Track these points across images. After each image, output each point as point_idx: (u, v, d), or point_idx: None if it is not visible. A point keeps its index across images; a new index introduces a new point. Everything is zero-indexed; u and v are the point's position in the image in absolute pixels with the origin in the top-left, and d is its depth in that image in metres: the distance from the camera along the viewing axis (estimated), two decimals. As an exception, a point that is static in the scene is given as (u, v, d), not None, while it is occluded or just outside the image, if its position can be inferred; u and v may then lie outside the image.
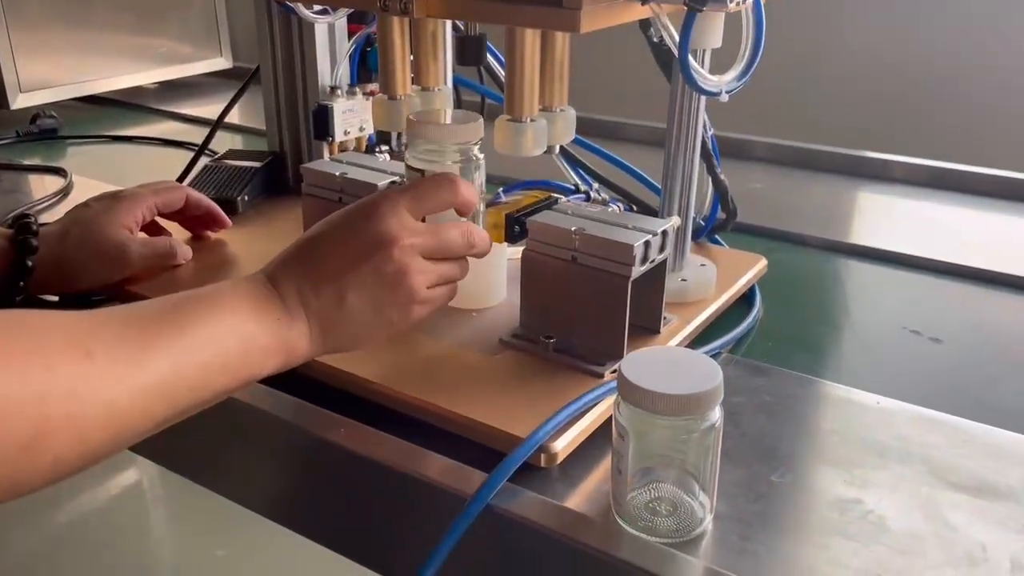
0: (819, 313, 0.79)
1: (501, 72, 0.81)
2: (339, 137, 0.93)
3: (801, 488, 0.54)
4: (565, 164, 0.87)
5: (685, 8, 0.55)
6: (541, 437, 0.53)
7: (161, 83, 1.64)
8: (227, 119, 1.05)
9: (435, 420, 0.58)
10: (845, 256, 0.92)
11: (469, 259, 0.62)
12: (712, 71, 0.61)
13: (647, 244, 0.62)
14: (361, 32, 0.95)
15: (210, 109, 1.46)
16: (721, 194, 0.81)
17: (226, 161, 1.01)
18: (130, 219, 0.76)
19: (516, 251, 0.68)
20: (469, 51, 0.75)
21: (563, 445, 0.55)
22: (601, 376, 0.61)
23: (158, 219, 0.82)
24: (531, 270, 0.65)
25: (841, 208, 1.09)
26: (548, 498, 0.52)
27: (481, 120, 0.65)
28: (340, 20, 0.94)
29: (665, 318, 0.68)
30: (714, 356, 0.67)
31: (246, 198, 0.94)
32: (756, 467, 0.56)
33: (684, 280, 0.73)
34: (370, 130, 0.97)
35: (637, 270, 0.61)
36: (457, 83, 0.90)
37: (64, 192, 1.09)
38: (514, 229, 0.67)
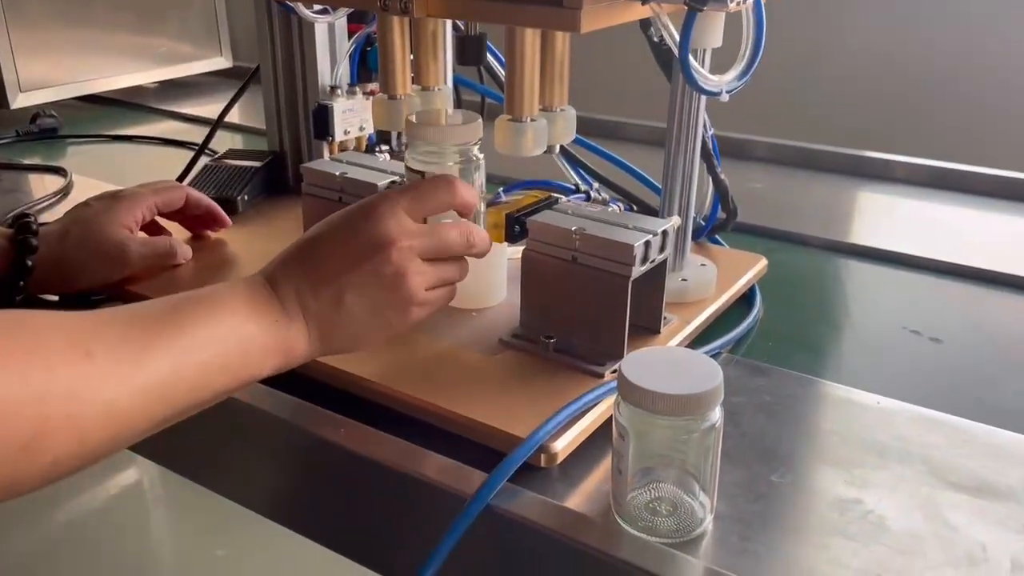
0: (819, 313, 0.79)
1: (501, 72, 0.81)
2: (339, 137, 0.93)
3: (801, 488, 0.54)
4: (565, 164, 0.87)
5: (685, 8, 0.55)
6: (541, 437, 0.53)
7: (161, 82, 1.64)
8: (227, 119, 1.05)
9: (435, 420, 0.58)
10: (845, 256, 0.92)
11: (469, 259, 0.62)
12: (712, 71, 0.61)
13: (647, 244, 0.62)
14: (361, 32, 0.95)
15: (210, 109, 1.46)
16: (721, 194, 0.81)
17: (226, 161, 1.01)
18: (130, 219, 0.76)
19: (516, 251, 0.68)
20: (469, 51, 0.75)
21: (563, 445, 0.55)
22: (601, 376, 0.61)
23: (158, 219, 0.82)
24: (531, 270, 0.65)
25: (841, 208, 1.09)
26: (548, 498, 0.52)
27: (480, 120, 0.65)
28: (340, 20, 0.94)
29: (665, 318, 0.68)
30: (714, 356, 0.67)
31: (246, 198, 0.94)
32: (756, 467, 0.56)
33: (684, 280, 0.73)
34: (370, 130, 0.97)
35: (637, 270, 0.61)
36: (457, 83, 0.90)
37: (64, 192, 1.09)
38: (514, 229, 0.67)
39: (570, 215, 0.66)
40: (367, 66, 0.97)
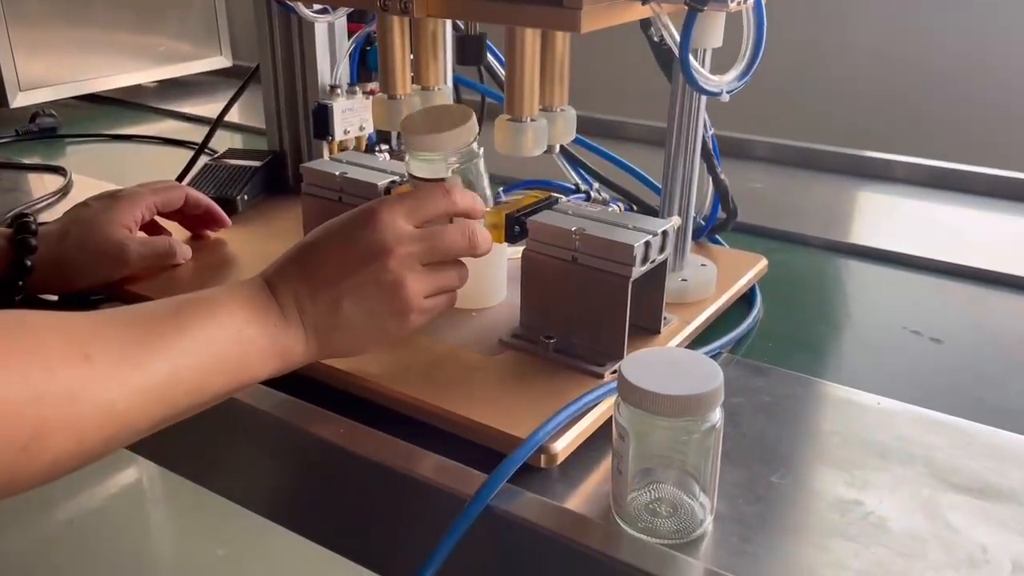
0: (820, 313, 0.79)
1: (501, 71, 0.81)
2: (339, 136, 0.93)
3: (801, 489, 0.54)
4: (565, 164, 0.87)
5: (686, 8, 0.55)
6: (541, 438, 0.53)
7: (161, 82, 1.64)
8: (227, 118, 1.05)
9: (435, 420, 0.58)
10: (846, 256, 0.92)
11: (469, 259, 0.62)
12: (713, 71, 0.61)
13: (647, 244, 0.62)
14: (361, 31, 0.95)
15: (210, 108, 1.46)
16: (721, 194, 0.81)
17: (226, 160, 1.01)
18: (129, 218, 0.76)
19: (516, 251, 0.68)
20: (469, 50, 0.75)
21: (563, 446, 0.55)
22: (601, 376, 0.61)
23: (157, 218, 0.82)
24: (531, 270, 0.65)
25: (842, 208, 1.09)
26: (548, 499, 0.52)
27: (473, 118, 0.64)
28: (340, 19, 0.94)
29: (665, 318, 0.68)
30: (714, 356, 0.67)
31: (246, 197, 0.94)
32: (756, 468, 0.56)
33: (684, 280, 0.73)
34: (370, 129, 0.97)
35: (637, 270, 0.61)
36: (457, 82, 0.90)
37: (64, 191, 1.09)
38: (514, 229, 0.67)
39: (570, 215, 0.66)
40: (367, 66, 0.97)
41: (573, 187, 0.87)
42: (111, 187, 0.82)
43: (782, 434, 0.59)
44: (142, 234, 0.79)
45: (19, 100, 1.37)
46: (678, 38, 0.57)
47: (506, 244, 0.70)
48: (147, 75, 1.58)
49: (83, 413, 0.45)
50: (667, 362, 0.50)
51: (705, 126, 0.74)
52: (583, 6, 0.52)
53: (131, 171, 1.23)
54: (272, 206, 0.96)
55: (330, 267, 0.57)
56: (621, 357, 0.60)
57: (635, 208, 0.87)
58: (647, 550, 0.48)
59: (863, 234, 0.97)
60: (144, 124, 1.44)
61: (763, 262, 0.81)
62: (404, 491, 0.55)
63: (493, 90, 0.89)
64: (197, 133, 1.24)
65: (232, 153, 1.03)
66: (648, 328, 0.67)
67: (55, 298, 0.75)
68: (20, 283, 0.71)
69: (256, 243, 0.86)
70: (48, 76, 1.41)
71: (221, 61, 1.67)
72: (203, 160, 1.04)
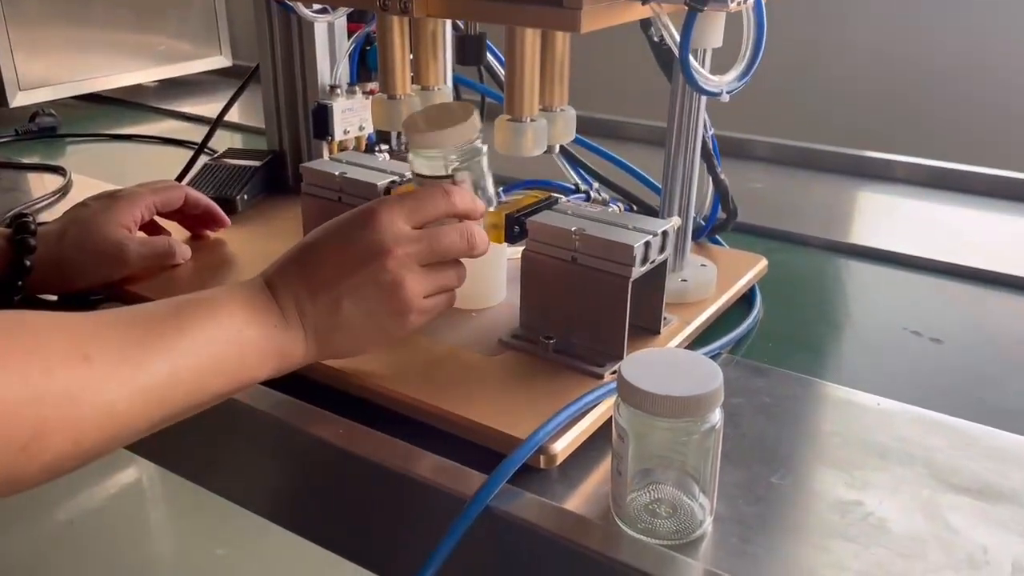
0: (819, 314, 0.79)
1: (501, 71, 0.80)
2: (339, 136, 0.93)
3: (801, 490, 0.54)
4: (565, 164, 0.87)
5: (686, 8, 0.55)
6: (541, 438, 0.53)
7: (160, 81, 1.64)
8: (226, 118, 1.05)
9: (434, 421, 0.58)
10: (846, 256, 0.92)
11: (469, 259, 0.62)
12: (713, 71, 0.61)
13: (647, 245, 0.62)
14: (361, 31, 0.95)
15: (209, 108, 1.46)
16: (721, 194, 0.81)
17: (225, 160, 1.01)
18: (128, 218, 0.76)
19: (516, 251, 0.68)
20: (469, 50, 0.74)
21: (563, 446, 0.55)
22: (601, 377, 0.61)
23: (157, 218, 0.82)
24: (531, 270, 0.65)
25: (842, 208, 1.09)
26: (547, 500, 0.52)
27: (475, 116, 0.63)
28: (340, 19, 0.94)
29: (665, 319, 0.68)
30: (714, 357, 0.67)
31: (245, 197, 0.94)
32: (756, 468, 0.56)
33: (684, 280, 0.73)
34: (370, 129, 0.96)
35: (637, 271, 0.61)
36: (457, 82, 0.90)
37: (63, 191, 1.09)
38: (514, 229, 0.67)
39: (570, 215, 0.65)
40: (367, 65, 0.97)
41: (573, 187, 0.87)
42: (111, 187, 0.82)
43: (782, 435, 0.59)
44: (141, 234, 0.79)
45: (19, 99, 1.37)
46: (678, 38, 0.57)
47: (506, 244, 0.70)
48: (147, 75, 1.58)
49: (82, 414, 0.45)
50: (667, 363, 0.50)
51: (705, 126, 0.74)
52: (583, 6, 0.52)
53: (131, 171, 1.23)
54: (272, 206, 0.96)
55: (329, 268, 0.57)
56: (621, 357, 0.60)
57: (635, 208, 0.87)
58: (646, 551, 0.48)
59: (863, 234, 0.97)
60: (144, 124, 1.44)
61: (763, 262, 0.81)
62: (403, 492, 0.55)
63: (493, 90, 0.89)
64: (197, 133, 1.24)
65: (232, 153, 1.03)
66: (648, 328, 0.67)
67: (54, 298, 0.75)
68: (19, 283, 0.71)
69: (256, 243, 0.86)
70: (48, 75, 1.41)
71: (221, 61, 1.67)
72: (203, 160, 1.04)
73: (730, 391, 0.50)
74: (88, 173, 1.14)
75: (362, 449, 0.56)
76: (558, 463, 0.55)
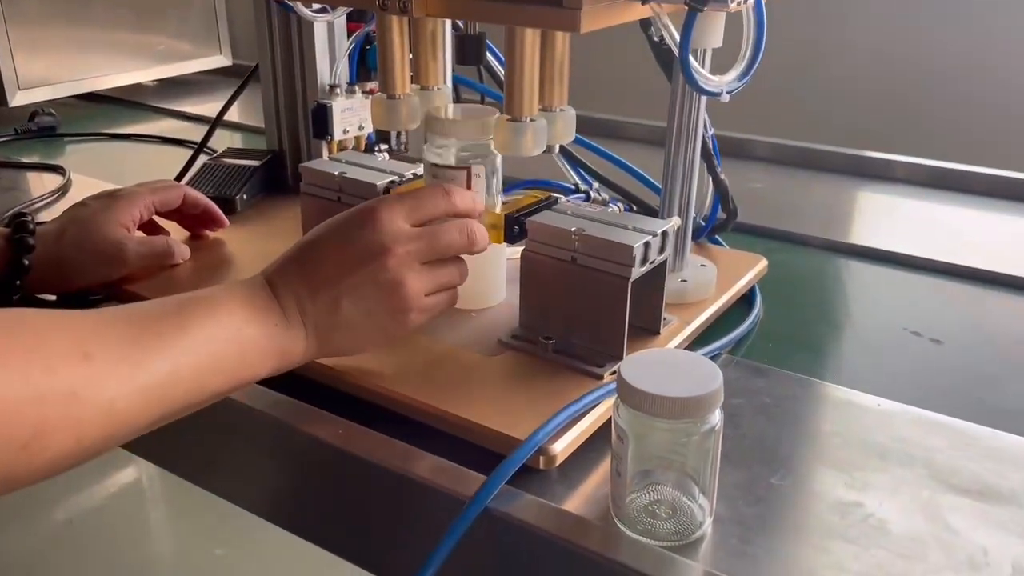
0: (819, 314, 0.79)
1: (501, 71, 0.80)
2: (338, 136, 0.93)
3: (801, 491, 0.54)
4: (565, 163, 0.86)
5: (686, 8, 0.55)
6: (540, 439, 0.53)
7: (160, 81, 1.64)
8: (226, 117, 1.05)
9: (433, 421, 0.58)
10: (846, 256, 0.92)
11: (469, 259, 0.62)
12: (713, 71, 0.60)
13: (647, 245, 0.61)
14: (360, 30, 0.95)
15: (209, 107, 1.46)
16: (721, 194, 0.81)
17: (225, 160, 1.00)
18: (127, 218, 0.76)
19: (516, 251, 0.68)
20: (469, 50, 0.74)
21: (562, 447, 0.54)
22: (601, 377, 0.61)
23: (156, 218, 0.82)
24: (530, 270, 0.65)
25: (842, 208, 1.09)
26: (547, 501, 0.52)
27: (493, 119, 0.65)
28: (339, 18, 0.94)
29: (665, 319, 0.68)
30: (714, 357, 0.67)
31: (245, 197, 0.94)
32: (756, 469, 0.55)
33: (684, 281, 0.73)
34: (369, 129, 0.96)
35: (637, 271, 0.61)
36: (457, 82, 0.90)
37: (62, 190, 1.09)
38: (513, 229, 0.67)
39: (569, 215, 0.65)
40: (366, 65, 0.97)
41: (573, 187, 0.87)
42: (110, 186, 0.82)
43: (782, 435, 0.59)
44: (140, 234, 0.79)
45: (18, 99, 1.37)
46: (678, 38, 0.56)
47: (505, 244, 0.70)
48: (146, 74, 1.58)
49: (83, 412, 0.45)
50: (666, 363, 0.50)
51: (705, 126, 0.73)
52: (583, 6, 0.51)
53: (130, 170, 1.23)
54: (271, 206, 0.96)
55: (330, 266, 0.57)
56: (621, 358, 0.60)
57: (635, 208, 0.87)
58: (646, 552, 0.48)
59: (863, 234, 0.97)
60: (143, 123, 1.44)
61: (763, 262, 0.81)
62: (402, 492, 0.55)
63: (493, 90, 0.89)
64: (196, 132, 1.24)
65: (231, 152, 1.03)
66: (648, 329, 0.67)
67: (53, 298, 0.75)
68: (18, 282, 0.71)
69: (255, 243, 0.86)
70: (47, 75, 1.41)
71: (220, 60, 1.67)
72: (202, 159, 1.03)
73: (730, 392, 0.50)
74: (87, 172, 1.14)
75: (361, 449, 0.56)
76: (557, 464, 0.55)
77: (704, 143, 0.74)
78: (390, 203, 0.59)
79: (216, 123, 1.05)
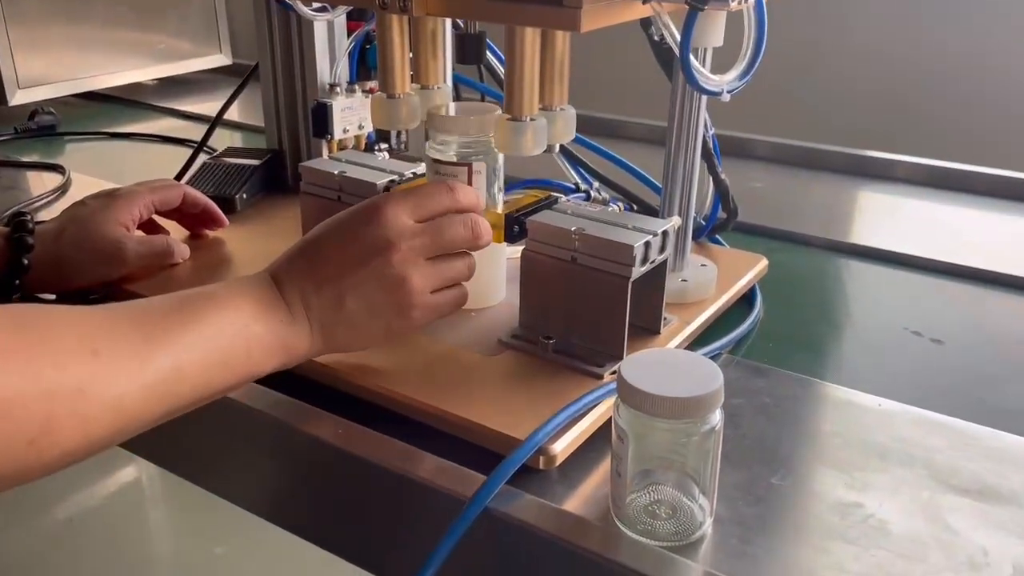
0: (820, 314, 0.79)
1: (501, 70, 0.80)
2: (338, 135, 0.93)
3: (801, 491, 0.54)
4: (565, 163, 0.86)
5: (686, 7, 0.55)
6: (540, 439, 0.53)
7: (160, 80, 1.63)
8: (226, 116, 1.05)
9: (433, 421, 0.58)
10: (846, 256, 0.91)
11: (469, 257, 0.62)
12: (713, 70, 0.60)
13: (647, 244, 0.61)
14: (360, 29, 0.94)
15: (209, 106, 1.46)
16: (722, 193, 0.81)
17: (225, 159, 1.00)
18: (127, 217, 0.76)
19: (516, 251, 0.67)
20: (469, 49, 0.74)
21: (562, 447, 0.54)
22: (601, 377, 0.61)
23: (155, 217, 0.82)
24: (531, 270, 0.65)
25: (842, 208, 1.09)
26: (547, 501, 0.52)
27: (494, 117, 0.65)
28: (339, 17, 0.94)
29: (665, 319, 0.68)
30: (714, 357, 0.67)
31: (244, 196, 0.94)
32: (756, 469, 0.55)
33: (684, 280, 0.73)
34: (369, 128, 0.96)
35: (637, 271, 0.61)
36: (457, 81, 0.90)
37: (62, 189, 1.09)
38: (514, 229, 0.67)
39: (570, 215, 0.65)
40: (366, 64, 0.97)
41: (573, 187, 0.87)
42: (109, 185, 0.82)
43: (782, 435, 0.59)
44: (140, 233, 0.79)
45: (18, 98, 1.37)
46: (678, 37, 0.56)
47: (505, 244, 0.70)
48: (146, 73, 1.58)
49: (91, 408, 0.45)
50: (667, 363, 0.50)
51: (706, 125, 0.73)
52: (583, 5, 0.51)
53: (130, 169, 1.22)
54: (271, 205, 0.96)
55: (334, 263, 0.57)
56: (621, 358, 0.60)
57: (635, 208, 0.87)
58: (646, 552, 0.48)
59: (864, 234, 0.97)
60: (143, 122, 1.44)
61: (763, 262, 0.81)
62: (402, 492, 0.55)
63: (493, 89, 0.89)
64: (196, 131, 1.24)
65: (231, 152, 1.03)
66: (648, 328, 0.67)
67: (52, 297, 0.75)
68: (17, 282, 0.71)
69: (255, 242, 0.86)
70: (47, 74, 1.41)
71: (221, 59, 1.66)
72: (202, 158, 1.03)
73: (730, 392, 0.50)
74: (87, 171, 1.14)
75: (361, 449, 0.56)
76: (557, 464, 0.54)
77: (705, 142, 0.74)
78: (394, 199, 0.59)
79: (216, 122, 1.05)
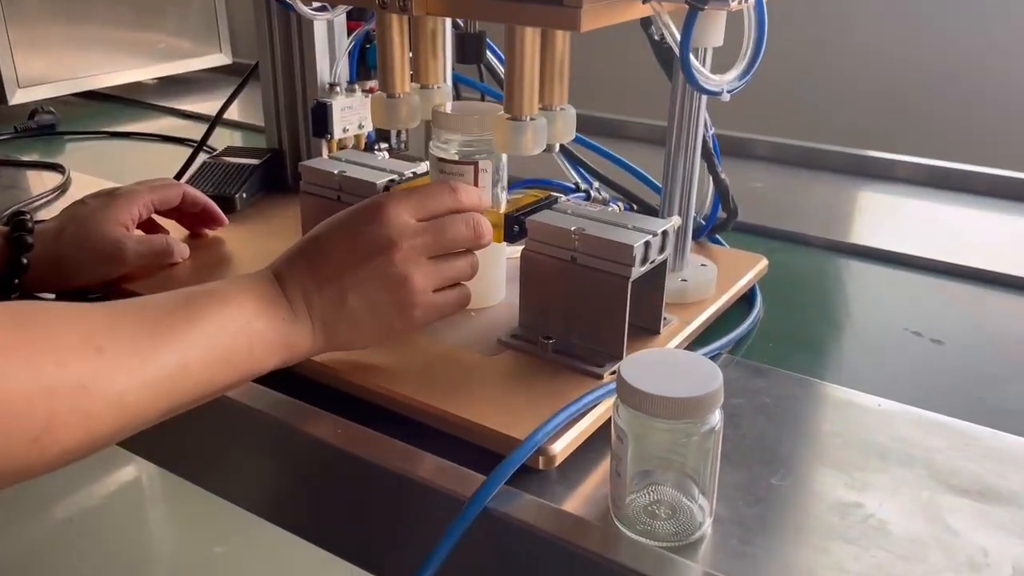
0: (820, 314, 0.79)
1: (501, 70, 0.80)
2: (338, 134, 0.93)
3: (801, 491, 0.54)
4: (565, 163, 0.86)
5: (686, 7, 0.55)
6: (540, 439, 0.53)
7: (160, 79, 1.63)
8: (226, 115, 1.05)
9: (433, 421, 0.58)
10: (846, 256, 0.91)
11: (468, 258, 0.62)
12: (713, 70, 0.60)
13: (647, 244, 0.61)
14: (360, 29, 0.94)
15: (209, 105, 1.46)
16: (722, 193, 0.80)
17: (224, 158, 1.00)
18: (126, 216, 0.76)
19: (516, 251, 0.67)
20: (469, 49, 0.74)
21: (562, 447, 0.54)
22: (600, 377, 0.61)
23: (155, 217, 0.82)
24: (530, 270, 0.65)
25: (842, 208, 1.09)
26: (546, 501, 0.52)
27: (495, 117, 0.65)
28: (339, 17, 0.94)
29: (665, 319, 0.68)
30: (714, 357, 0.67)
31: (244, 195, 0.94)
32: (756, 469, 0.55)
33: (684, 280, 0.73)
34: (369, 128, 0.96)
35: (637, 270, 0.61)
36: (457, 81, 0.90)
37: (62, 188, 1.09)
38: (513, 228, 0.67)
39: (569, 215, 0.65)
40: (366, 63, 0.97)
41: (573, 186, 0.87)
42: (109, 185, 0.82)
43: (782, 435, 0.59)
44: (139, 232, 0.79)
45: (18, 97, 1.37)
46: (678, 37, 0.56)
47: (505, 244, 0.69)
48: (146, 72, 1.58)
49: (93, 405, 0.45)
50: (666, 363, 0.50)
51: (706, 125, 0.73)
52: (583, 5, 0.51)
53: (130, 168, 1.22)
54: (271, 204, 0.96)
55: (336, 261, 0.58)
56: (620, 358, 0.60)
57: (635, 208, 0.87)
58: (646, 553, 0.48)
59: (864, 234, 0.97)
60: (143, 121, 1.44)
61: (763, 262, 0.81)
62: (401, 492, 0.55)
63: (493, 88, 0.88)
64: (196, 131, 1.24)
65: (231, 151, 1.03)
66: (648, 328, 0.67)
67: (52, 296, 0.75)
68: (16, 281, 0.71)
69: (254, 241, 0.86)
70: (47, 73, 1.41)
71: (221, 58, 1.66)
72: (202, 158, 1.03)
73: (730, 392, 0.50)
74: (87, 171, 1.14)
75: (360, 449, 0.56)
76: (557, 464, 0.54)
77: (705, 142, 0.74)
78: (396, 198, 0.59)
79: (216, 121, 1.05)
